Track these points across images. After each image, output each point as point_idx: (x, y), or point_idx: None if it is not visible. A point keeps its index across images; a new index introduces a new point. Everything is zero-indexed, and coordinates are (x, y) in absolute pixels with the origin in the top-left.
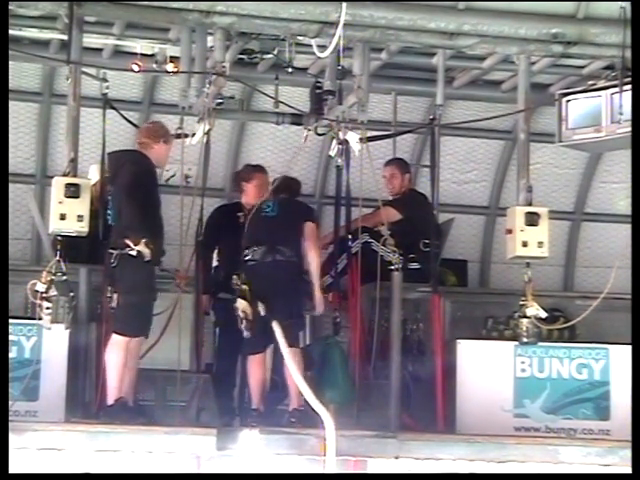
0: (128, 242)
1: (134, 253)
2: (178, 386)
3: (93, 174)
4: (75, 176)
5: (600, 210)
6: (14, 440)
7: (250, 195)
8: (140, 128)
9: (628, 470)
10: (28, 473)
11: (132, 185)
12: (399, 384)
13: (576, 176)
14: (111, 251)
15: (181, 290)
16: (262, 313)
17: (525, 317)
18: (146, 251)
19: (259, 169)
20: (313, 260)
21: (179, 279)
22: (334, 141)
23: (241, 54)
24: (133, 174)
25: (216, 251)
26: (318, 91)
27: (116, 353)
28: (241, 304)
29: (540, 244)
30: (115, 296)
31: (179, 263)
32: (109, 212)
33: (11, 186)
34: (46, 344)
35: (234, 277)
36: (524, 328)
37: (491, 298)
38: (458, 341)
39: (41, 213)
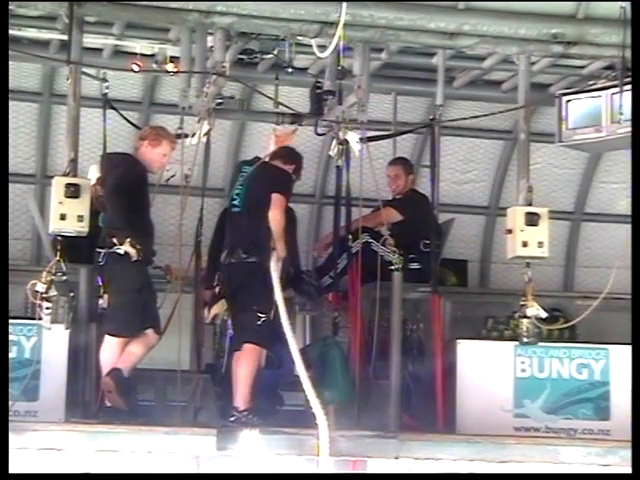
0: (115, 241)
1: (121, 252)
2: (178, 386)
3: (93, 174)
4: (75, 176)
5: (600, 210)
6: (14, 440)
7: None
8: (146, 128)
9: (628, 470)
10: (28, 473)
11: (117, 186)
12: (399, 384)
13: (576, 176)
14: (99, 250)
15: (172, 282)
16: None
17: (525, 317)
18: (132, 251)
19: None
20: (272, 222)
21: (170, 275)
22: (334, 141)
23: (241, 54)
24: (118, 176)
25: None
26: (318, 91)
27: (109, 354)
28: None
29: (540, 244)
30: (106, 297)
31: (179, 263)
32: (101, 214)
33: (11, 186)
34: (46, 344)
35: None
36: (524, 328)
37: (491, 298)
38: (458, 341)
39: (41, 213)
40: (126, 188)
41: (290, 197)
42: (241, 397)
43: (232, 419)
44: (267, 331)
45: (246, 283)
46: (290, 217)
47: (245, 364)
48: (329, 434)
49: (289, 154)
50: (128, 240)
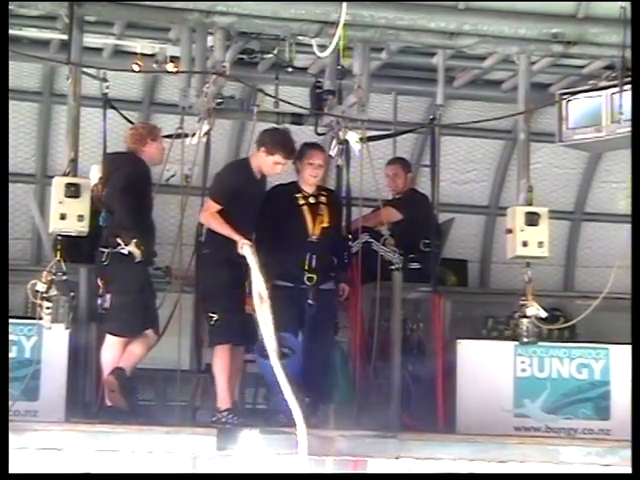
0: (119, 241)
1: (125, 252)
2: (178, 386)
3: (94, 174)
4: (75, 176)
5: (600, 210)
6: (14, 440)
7: (300, 176)
8: (125, 136)
9: (628, 470)
10: (28, 473)
11: (125, 186)
12: (399, 384)
13: (576, 176)
14: (102, 249)
15: (171, 283)
16: None
17: (525, 317)
18: (136, 251)
19: (311, 146)
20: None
21: (170, 277)
22: (334, 141)
23: (241, 54)
24: (126, 175)
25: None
26: (318, 91)
27: (111, 354)
28: None
29: (540, 244)
30: (108, 297)
31: (179, 263)
32: (102, 214)
33: (11, 186)
34: (46, 344)
35: None
36: (524, 328)
37: (491, 298)
38: (458, 341)
39: (41, 213)
40: (134, 187)
41: (226, 192)
42: (220, 398)
43: (213, 419)
44: (225, 329)
45: (202, 279)
46: (335, 200)
47: (215, 365)
48: (328, 433)
49: (258, 139)
50: (134, 241)
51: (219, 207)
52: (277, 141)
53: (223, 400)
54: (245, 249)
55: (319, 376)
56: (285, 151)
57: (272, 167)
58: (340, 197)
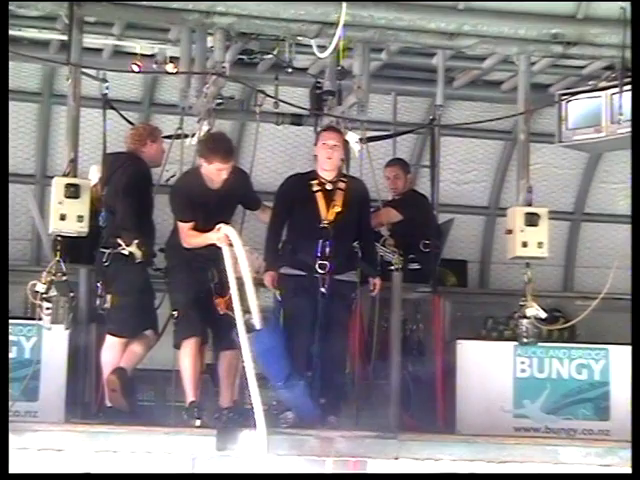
0: (120, 241)
1: (126, 252)
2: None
3: (94, 174)
4: (75, 176)
5: (600, 210)
6: (14, 440)
7: (317, 162)
8: (125, 136)
9: (628, 470)
10: (28, 473)
11: (128, 186)
12: (399, 384)
13: (576, 176)
14: (103, 250)
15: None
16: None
17: (525, 317)
18: (138, 252)
19: (326, 129)
20: None
21: None
22: None
23: (241, 54)
24: (129, 176)
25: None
26: (318, 91)
27: (111, 354)
28: None
29: (540, 244)
30: (108, 297)
31: None
32: (101, 214)
33: (11, 186)
34: (46, 344)
35: None
36: (524, 328)
37: (491, 298)
38: (458, 341)
39: (41, 213)
40: (135, 188)
41: (183, 207)
42: (187, 393)
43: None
44: (186, 324)
45: (167, 281)
46: (356, 187)
47: (180, 362)
48: (328, 434)
49: (197, 150)
50: (136, 242)
51: (189, 224)
52: (211, 148)
53: (188, 395)
54: (223, 228)
55: (334, 374)
56: (220, 156)
57: (217, 174)
58: (365, 186)
